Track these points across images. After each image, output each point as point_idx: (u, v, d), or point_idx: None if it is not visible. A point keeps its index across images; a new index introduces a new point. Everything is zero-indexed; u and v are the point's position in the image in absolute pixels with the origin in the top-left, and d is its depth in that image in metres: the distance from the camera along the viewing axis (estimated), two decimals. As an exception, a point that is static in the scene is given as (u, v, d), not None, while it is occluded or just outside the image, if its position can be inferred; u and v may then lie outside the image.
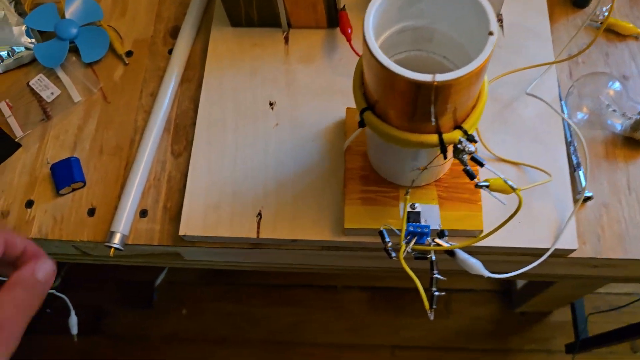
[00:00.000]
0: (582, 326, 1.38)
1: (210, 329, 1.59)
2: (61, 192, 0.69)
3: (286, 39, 0.74)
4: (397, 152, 0.55)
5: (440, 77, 0.41)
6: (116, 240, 0.66)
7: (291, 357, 1.56)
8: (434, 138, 0.47)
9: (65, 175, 0.69)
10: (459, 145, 0.47)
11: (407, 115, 0.46)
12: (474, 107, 0.49)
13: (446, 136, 0.47)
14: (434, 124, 0.45)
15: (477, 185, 0.49)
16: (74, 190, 0.70)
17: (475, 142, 0.48)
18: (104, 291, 1.64)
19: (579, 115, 0.67)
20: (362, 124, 0.51)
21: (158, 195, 0.69)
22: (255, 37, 0.75)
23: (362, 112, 0.50)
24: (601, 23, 0.73)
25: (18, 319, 0.40)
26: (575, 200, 0.62)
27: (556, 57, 0.69)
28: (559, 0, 0.77)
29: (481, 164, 0.47)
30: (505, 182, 0.47)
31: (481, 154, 0.63)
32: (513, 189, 0.47)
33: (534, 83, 0.67)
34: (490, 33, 0.43)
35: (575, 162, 0.65)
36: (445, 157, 0.48)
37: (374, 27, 0.45)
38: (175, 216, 0.68)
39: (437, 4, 0.48)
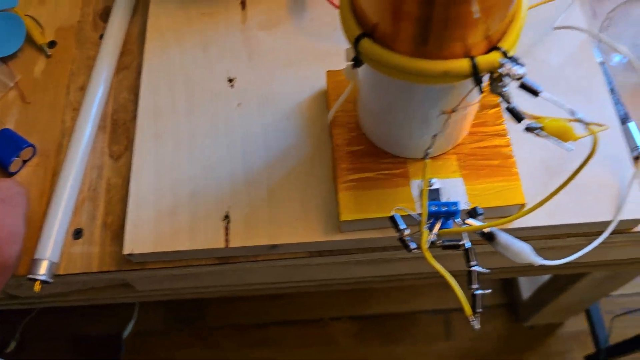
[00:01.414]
0: (602, 333, 1.24)
1: (184, 381, 1.40)
2: (11, 169, 0.55)
3: (243, 4, 0.60)
4: (406, 101, 0.40)
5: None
6: (42, 270, 0.49)
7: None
8: (463, 63, 0.33)
9: (6, 147, 0.55)
10: (500, 70, 0.33)
11: (422, 31, 0.32)
12: (510, 22, 0.35)
13: (480, 59, 0.33)
14: (476, 15, 0.30)
15: (527, 128, 0.35)
16: (25, 162, 0.56)
17: (522, 65, 0.34)
18: (64, 349, 1.44)
19: (616, 58, 0.53)
20: (357, 61, 0.36)
21: (95, 209, 0.54)
22: (204, 5, 0.60)
23: (356, 42, 0.35)
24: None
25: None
26: (636, 159, 0.48)
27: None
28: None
29: (536, 92, 0.33)
30: (576, 117, 0.33)
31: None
32: (586, 123, 0.33)
33: (559, 18, 0.54)
34: None
35: (622, 113, 0.51)
36: (480, 91, 0.34)
37: None
38: (118, 233, 0.52)
39: None
